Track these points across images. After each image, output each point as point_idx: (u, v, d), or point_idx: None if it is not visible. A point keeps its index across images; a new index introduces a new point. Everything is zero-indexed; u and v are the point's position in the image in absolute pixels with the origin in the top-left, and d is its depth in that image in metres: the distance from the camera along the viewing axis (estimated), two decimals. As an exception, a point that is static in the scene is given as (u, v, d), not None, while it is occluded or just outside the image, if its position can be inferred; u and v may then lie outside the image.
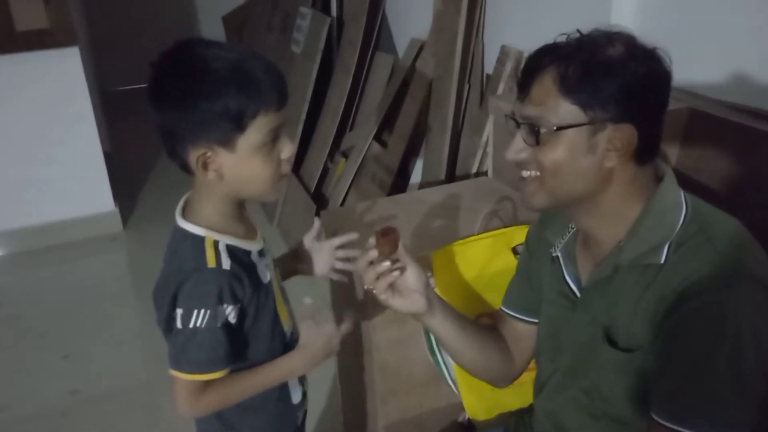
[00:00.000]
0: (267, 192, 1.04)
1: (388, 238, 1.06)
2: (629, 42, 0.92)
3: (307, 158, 3.43)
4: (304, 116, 3.23)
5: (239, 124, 0.96)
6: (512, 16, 2.30)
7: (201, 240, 1.03)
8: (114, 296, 3.05)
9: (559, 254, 1.10)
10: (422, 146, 2.85)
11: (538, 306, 1.17)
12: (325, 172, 3.33)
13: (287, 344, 1.16)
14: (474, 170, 2.36)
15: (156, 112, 0.98)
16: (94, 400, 2.35)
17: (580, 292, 1.06)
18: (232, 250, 1.04)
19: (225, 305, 1.02)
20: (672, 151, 1.54)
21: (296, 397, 1.21)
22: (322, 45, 3.17)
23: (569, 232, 1.10)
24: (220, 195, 1.04)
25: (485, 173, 2.21)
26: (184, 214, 1.07)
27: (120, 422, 2.24)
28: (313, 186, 3.28)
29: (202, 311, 1.00)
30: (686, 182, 1.48)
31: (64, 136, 3.30)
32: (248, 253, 1.08)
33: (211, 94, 0.94)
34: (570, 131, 0.92)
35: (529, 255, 1.20)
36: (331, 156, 3.31)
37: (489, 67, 2.42)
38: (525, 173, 0.99)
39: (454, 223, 1.64)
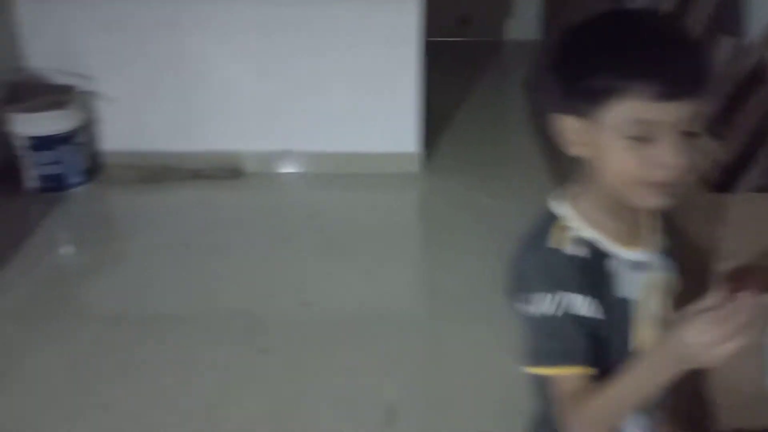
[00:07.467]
0: (627, 191, 0.90)
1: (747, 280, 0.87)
2: None
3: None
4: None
5: (599, 97, 0.87)
6: None
7: (554, 219, 0.96)
8: (400, 233, 3.29)
9: None
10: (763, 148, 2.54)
11: None
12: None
13: None
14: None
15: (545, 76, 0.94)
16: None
17: None
18: (586, 244, 0.94)
19: (569, 293, 0.90)
20: None
21: None
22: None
23: None
24: (596, 182, 0.94)
25: None
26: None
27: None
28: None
29: (542, 296, 0.91)
30: None
31: (388, 78, 3.53)
32: (608, 256, 0.95)
33: (586, 59, 0.89)
34: None
35: None
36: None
37: None
38: None
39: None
